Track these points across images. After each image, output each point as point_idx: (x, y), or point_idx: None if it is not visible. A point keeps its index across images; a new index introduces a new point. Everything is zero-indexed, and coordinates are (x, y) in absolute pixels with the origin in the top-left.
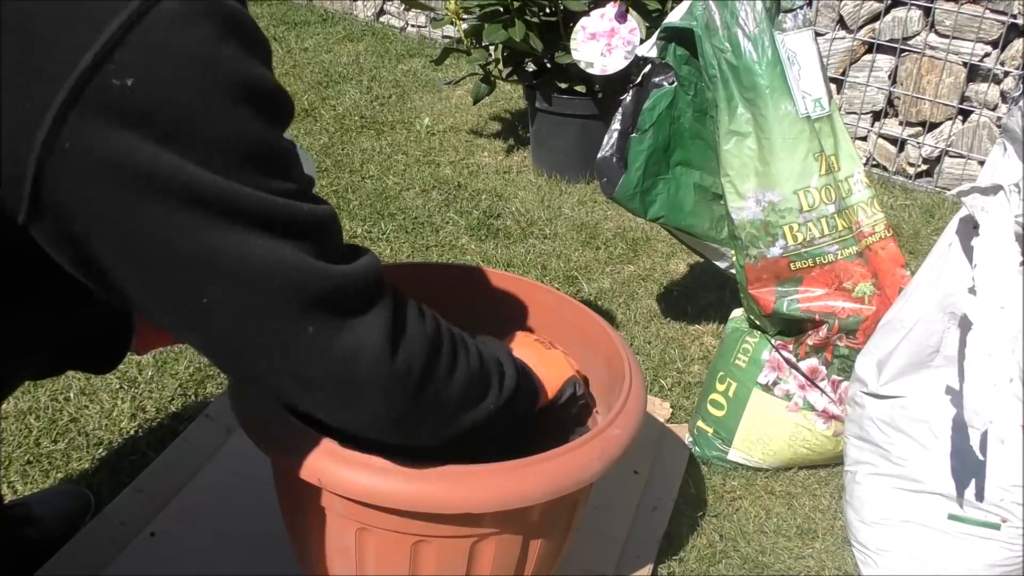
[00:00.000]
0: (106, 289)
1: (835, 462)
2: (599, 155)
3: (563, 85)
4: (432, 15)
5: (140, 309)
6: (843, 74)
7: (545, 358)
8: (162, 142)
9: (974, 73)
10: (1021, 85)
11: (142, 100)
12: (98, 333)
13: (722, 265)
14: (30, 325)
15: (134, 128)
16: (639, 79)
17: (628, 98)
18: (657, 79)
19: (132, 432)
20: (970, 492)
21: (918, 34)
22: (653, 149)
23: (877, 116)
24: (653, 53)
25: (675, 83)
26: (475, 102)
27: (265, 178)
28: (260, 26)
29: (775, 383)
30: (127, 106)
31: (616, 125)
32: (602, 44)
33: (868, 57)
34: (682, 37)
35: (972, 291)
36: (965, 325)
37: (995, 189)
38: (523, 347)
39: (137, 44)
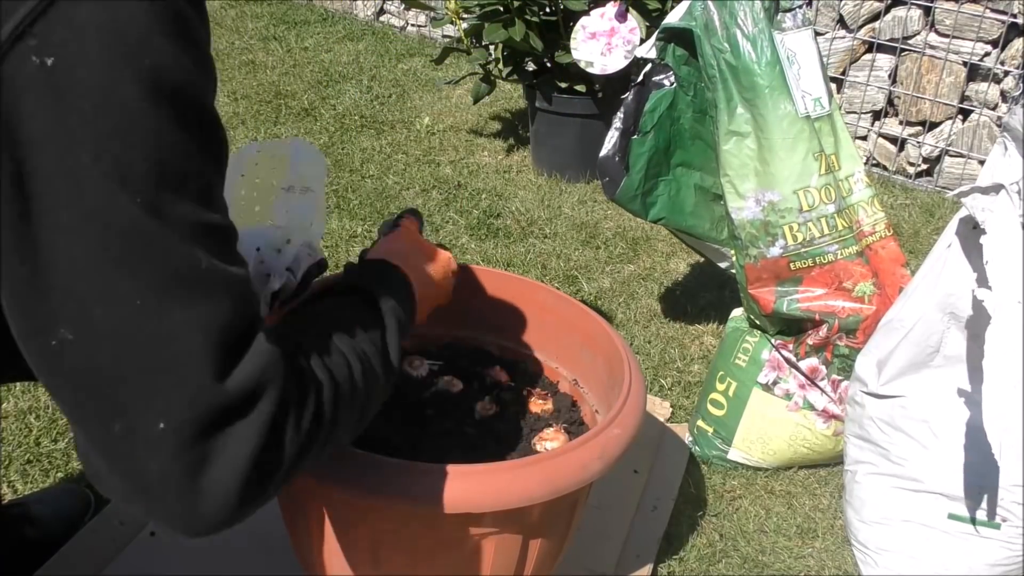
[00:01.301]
0: None
1: (835, 461)
2: (601, 154)
3: (563, 84)
4: (432, 14)
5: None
6: (843, 73)
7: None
8: (80, 141)
9: (974, 72)
10: (1021, 84)
11: (62, 84)
12: None
13: (723, 265)
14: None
15: (53, 116)
16: (640, 78)
17: (630, 97)
18: (658, 78)
19: None
20: (970, 492)
21: (918, 33)
22: (654, 151)
23: (877, 115)
24: (652, 54)
25: (675, 84)
26: (475, 101)
27: (178, 204)
28: (260, 26)
29: (775, 383)
30: (47, 88)
31: (618, 124)
32: (602, 43)
33: (868, 56)
34: (681, 37)
35: (987, 287)
36: (981, 320)
37: (996, 188)
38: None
39: (60, 18)
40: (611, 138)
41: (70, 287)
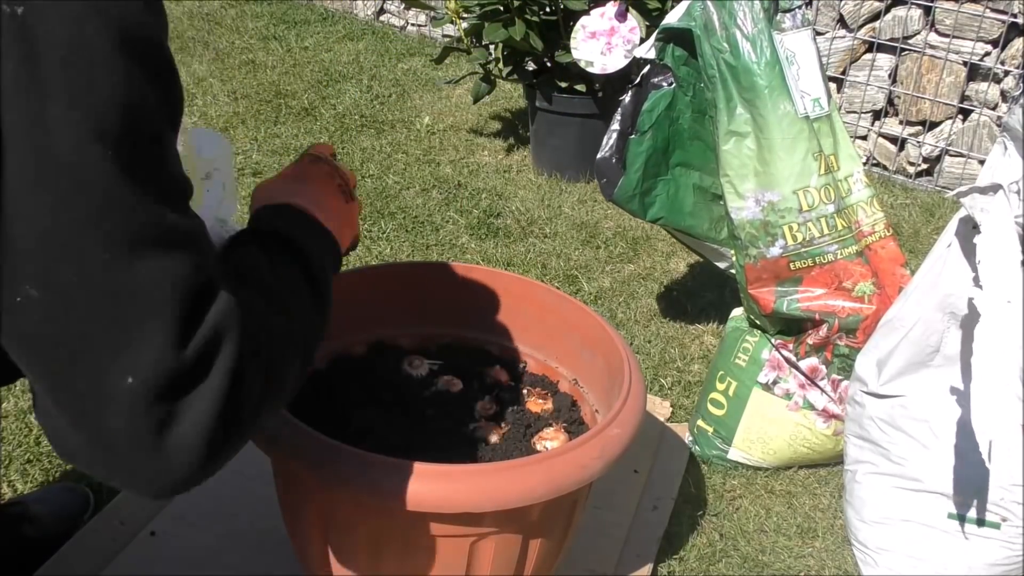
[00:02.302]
0: None
1: (835, 461)
2: (599, 156)
3: (563, 84)
4: (432, 14)
5: None
6: (843, 73)
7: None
8: (51, 92)
9: (974, 72)
10: (1021, 84)
11: (32, 34)
12: None
13: (722, 265)
14: None
15: (24, 67)
16: (638, 79)
17: (627, 98)
18: (656, 79)
19: None
20: (970, 491)
21: (918, 33)
22: (652, 151)
23: (877, 115)
24: (651, 54)
25: (674, 84)
26: (475, 101)
27: (144, 158)
28: (260, 25)
29: (775, 382)
30: (17, 38)
31: (615, 126)
32: (602, 43)
33: (868, 56)
34: (681, 38)
35: (978, 286)
36: (972, 318)
37: (994, 188)
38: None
39: None
40: (608, 139)
41: (36, 243)
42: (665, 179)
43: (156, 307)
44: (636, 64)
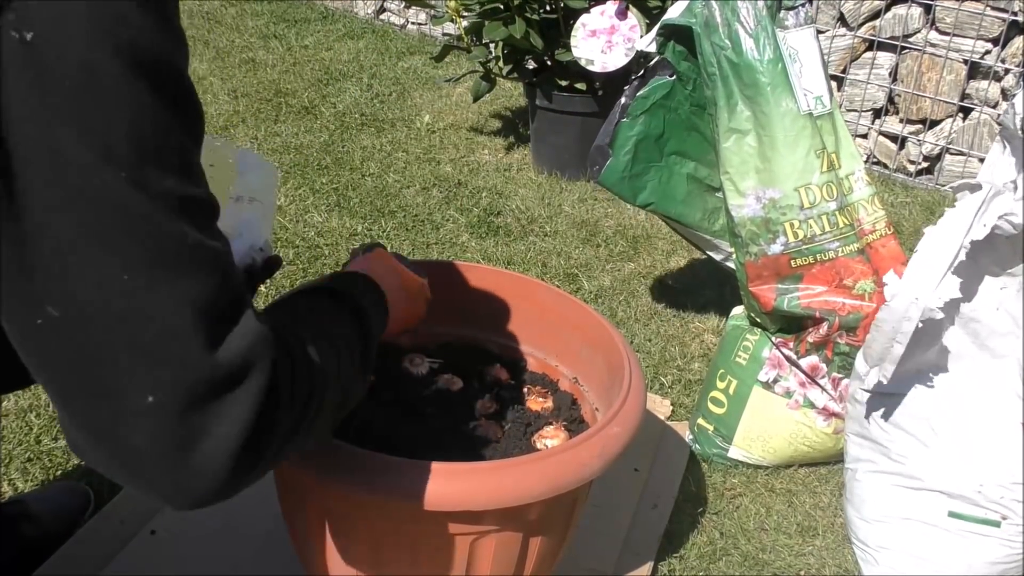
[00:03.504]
0: None
1: (835, 459)
2: (595, 143)
3: (563, 82)
4: (432, 12)
5: None
6: (844, 71)
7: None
8: (62, 117)
9: (975, 70)
10: (1022, 82)
11: (42, 59)
12: None
13: (716, 256)
14: None
15: (34, 93)
16: (643, 71)
17: (629, 89)
18: (661, 72)
19: None
20: (970, 489)
21: (919, 31)
22: (644, 136)
23: (878, 113)
24: (652, 48)
25: (675, 76)
26: (475, 99)
27: (161, 178)
28: (260, 24)
29: (775, 381)
30: (27, 64)
31: (616, 115)
32: (602, 41)
33: (869, 55)
34: (681, 34)
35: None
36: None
37: (977, 186)
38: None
39: None
40: (607, 127)
41: (55, 265)
42: (658, 165)
43: (178, 328)
44: (637, 61)
